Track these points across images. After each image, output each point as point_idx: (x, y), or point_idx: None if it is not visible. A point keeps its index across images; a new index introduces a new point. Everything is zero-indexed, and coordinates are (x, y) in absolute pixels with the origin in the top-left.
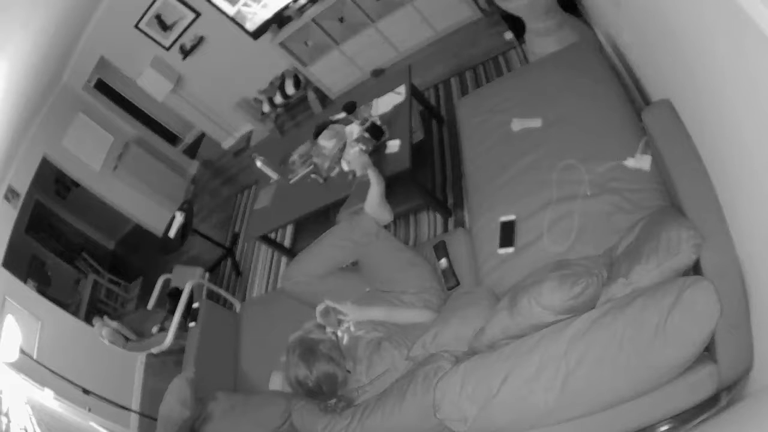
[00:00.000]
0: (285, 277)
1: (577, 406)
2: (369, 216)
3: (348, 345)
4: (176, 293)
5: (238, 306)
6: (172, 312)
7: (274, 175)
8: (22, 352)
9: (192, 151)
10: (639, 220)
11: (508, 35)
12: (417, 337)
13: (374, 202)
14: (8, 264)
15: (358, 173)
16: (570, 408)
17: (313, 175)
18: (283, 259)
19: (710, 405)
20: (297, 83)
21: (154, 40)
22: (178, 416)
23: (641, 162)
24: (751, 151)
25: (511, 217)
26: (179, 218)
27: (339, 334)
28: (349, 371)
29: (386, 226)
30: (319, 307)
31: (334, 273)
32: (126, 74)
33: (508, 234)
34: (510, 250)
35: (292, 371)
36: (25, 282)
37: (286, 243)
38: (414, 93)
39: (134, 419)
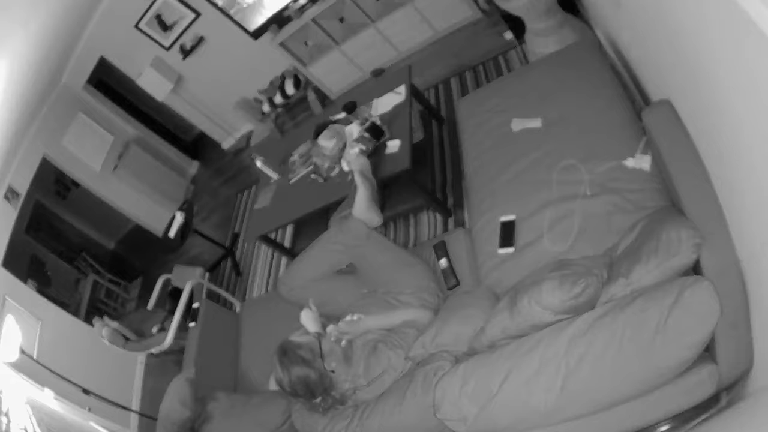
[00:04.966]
0: (280, 282)
1: (577, 406)
2: (358, 219)
3: (345, 347)
4: (176, 293)
5: (238, 306)
6: (172, 312)
7: (274, 175)
8: (22, 352)
9: (192, 151)
10: (639, 220)
11: (508, 35)
12: (412, 337)
13: (362, 206)
14: (8, 264)
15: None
16: (570, 408)
17: (313, 175)
18: (283, 259)
19: (710, 405)
20: (297, 83)
21: (154, 40)
22: (178, 416)
23: (641, 162)
24: (751, 150)
25: (511, 217)
26: (179, 218)
27: (330, 332)
28: (332, 371)
29: (386, 226)
30: (303, 312)
31: (329, 277)
32: (126, 74)
33: (508, 234)
34: (510, 250)
35: (274, 374)
36: (25, 282)
37: (286, 243)
38: (414, 93)
39: (134, 419)
